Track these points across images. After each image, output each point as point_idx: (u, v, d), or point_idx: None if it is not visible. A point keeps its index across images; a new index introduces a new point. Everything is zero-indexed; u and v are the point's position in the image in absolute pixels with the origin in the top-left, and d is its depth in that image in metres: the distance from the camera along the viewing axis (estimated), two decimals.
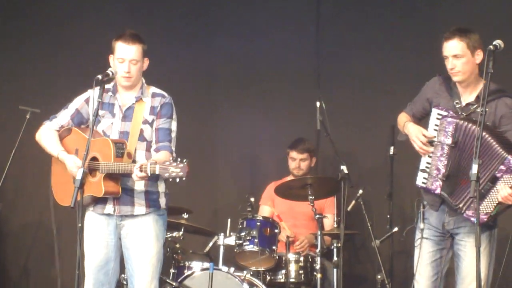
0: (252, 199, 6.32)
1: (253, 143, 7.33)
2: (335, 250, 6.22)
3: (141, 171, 4.61)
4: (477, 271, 4.38)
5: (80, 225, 4.59)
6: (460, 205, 4.71)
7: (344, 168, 6.03)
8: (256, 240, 6.08)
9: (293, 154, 6.73)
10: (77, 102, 5.08)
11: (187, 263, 6.11)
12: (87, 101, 5.04)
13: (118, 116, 4.97)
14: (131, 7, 7.42)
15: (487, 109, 4.47)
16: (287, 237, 6.25)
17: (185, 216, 6.25)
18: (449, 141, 4.75)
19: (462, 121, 4.72)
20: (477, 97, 4.77)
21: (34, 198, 7.27)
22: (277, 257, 6.20)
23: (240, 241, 6.14)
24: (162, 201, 4.99)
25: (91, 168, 4.81)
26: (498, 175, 4.58)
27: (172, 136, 4.97)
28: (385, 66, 7.02)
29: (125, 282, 5.80)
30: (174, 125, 4.99)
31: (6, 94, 7.48)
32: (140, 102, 4.98)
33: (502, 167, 4.56)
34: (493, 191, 4.61)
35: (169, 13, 7.46)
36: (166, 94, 5.04)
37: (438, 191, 4.79)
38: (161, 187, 4.98)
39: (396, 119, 5.14)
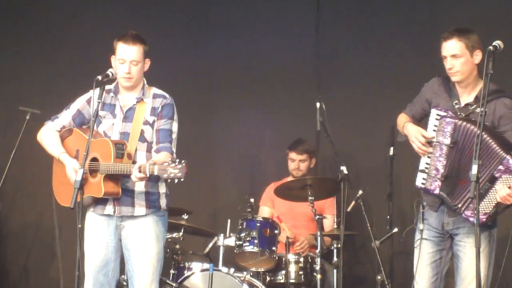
0: (252, 200, 6.31)
1: (253, 144, 7.33)
2: (335, 250, 6.22)
3: (140, 172, 4.61)
4: (477, 272, 4.38)
5: (80, 226, 4.59)
6: (459, 205, 4.71)
7: (344, 168, 6.04)
8: (256, 241, 6.08)
9: (292, 155, 6.73)
10: (79, 103, 5.09)
11: (187, 264, 6.12)
12: (88, 101, 5.04)
13: (119, 117, 4.97)
14: (131, 7, 7.42)
15: (486, 110, 4.47)
16: (287, 238, 6.25)
17: (185, 217, 6.24)
18: (447, 141, 4.75)
19: (460, 121, 4.72)
20: (476, 97, 4.77)
21: (34, 199, 7.28)
22: (277, 258, 6.20)
23: (240, 242, 6.14)
24: (163, 202, 4.98)
25: (92, 169, 4.82)
26: (497, 175, 4.58)
27: (173, 137, 4.96)
28: (385, 67, 7.02)
29: (125, 283, 5.79)
30: (175, 126, 4.99)
31: (6, 94, 7.48)
32: (141, 103, 4.98)
33: (500, 167, 4.56)
34: (491, 191, 4.60)
35: (169, 13, 7.45)
36: (167, 95, 5.03)
37: (437, 191, 4.79)
38: (162, 188, 4.98)
39: (395, 120, 5.14)
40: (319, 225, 6.11)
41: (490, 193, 4.61)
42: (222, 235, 6.20)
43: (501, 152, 4.56)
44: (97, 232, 4.94)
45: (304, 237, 6.47)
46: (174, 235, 6.18)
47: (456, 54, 4.73)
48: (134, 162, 4.81)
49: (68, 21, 7.45)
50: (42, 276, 7.36)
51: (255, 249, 6.08)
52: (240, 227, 6.20)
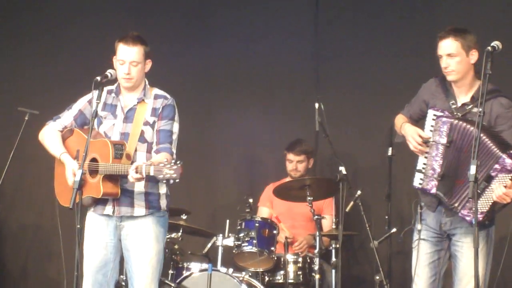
0: (251, 200, 6.31)
1: (252, 144, 7.33)
2: (333, 251, 6.22)
3: (136, 172, 4.62)
4: (475, 272, 4.39)
5: (78, 226, 4.60)
6: (456, 205, 4.71)
7: (342, 169, 6.03)
8: (254, 241, 6.09)
9: (290, 156, 6.74)
10: (81, 103, 5.09)
11: (185, 264, 6.13)
12: (90, 102, 5.03)
13: (120, 117, 4.97)
14: (131, 8, 7.42)
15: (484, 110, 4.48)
16: (286, 238, 6.26)
17: (184, 217, 6.25)
18: (444, 140, 4.75)
19: (456, 121, 4.72)
20: (473, 97, 4.78)
21: (33, 199, 7.28)
22: (275, 258, 6.20)
23: (239, 242, 6.14)
24: (163, 202, 4.98)
25: (91, 169, 4.83)
26: (493, 174, 4.57)
27: (173, 138, 4.95)
28: (383, 68, 7.02)
29: (123, 283, 5.79)
30: (175, 127, 4.98)
31: (5, 95, 7.48)
32: (142, 104, 4.98)
33: (496, 166, 4.56)
34: (488, 190, 4.60)
35: (169, 14, 7.46)
36: (168, 96, 5.03)
37: (433, 190, 4.79)
38: (162, 189, 4.97)
39: (394, 121, 5.15)
40: (317, 225, 6.12)
41: (486, 192, 4.60)
42: (221, 235, 6.20)
43: (497, 151, 4.56)
44: (97, 232, 4.94)
45: (303, 237, 6.48)
46: (173, 235, 6.18)
47: (451, 53, 4.73)
48: (133, 163, 4.81)
49: (68, 21, 7.46)
50: (41, 276, 7.37)
51: (254, 249, 6.08)
52: (239, 227, 6.21)
